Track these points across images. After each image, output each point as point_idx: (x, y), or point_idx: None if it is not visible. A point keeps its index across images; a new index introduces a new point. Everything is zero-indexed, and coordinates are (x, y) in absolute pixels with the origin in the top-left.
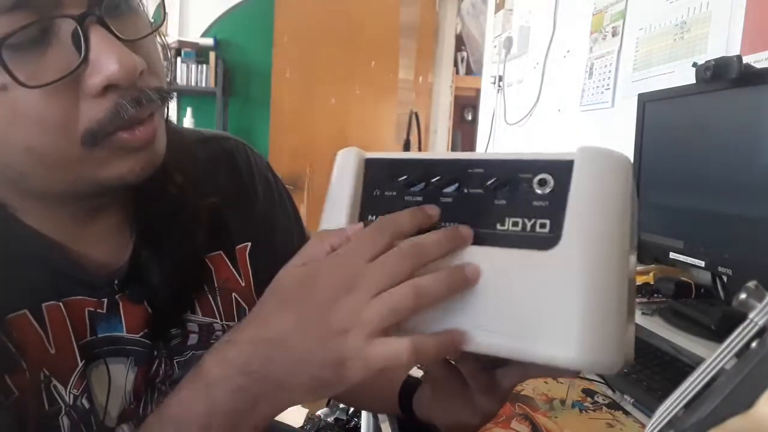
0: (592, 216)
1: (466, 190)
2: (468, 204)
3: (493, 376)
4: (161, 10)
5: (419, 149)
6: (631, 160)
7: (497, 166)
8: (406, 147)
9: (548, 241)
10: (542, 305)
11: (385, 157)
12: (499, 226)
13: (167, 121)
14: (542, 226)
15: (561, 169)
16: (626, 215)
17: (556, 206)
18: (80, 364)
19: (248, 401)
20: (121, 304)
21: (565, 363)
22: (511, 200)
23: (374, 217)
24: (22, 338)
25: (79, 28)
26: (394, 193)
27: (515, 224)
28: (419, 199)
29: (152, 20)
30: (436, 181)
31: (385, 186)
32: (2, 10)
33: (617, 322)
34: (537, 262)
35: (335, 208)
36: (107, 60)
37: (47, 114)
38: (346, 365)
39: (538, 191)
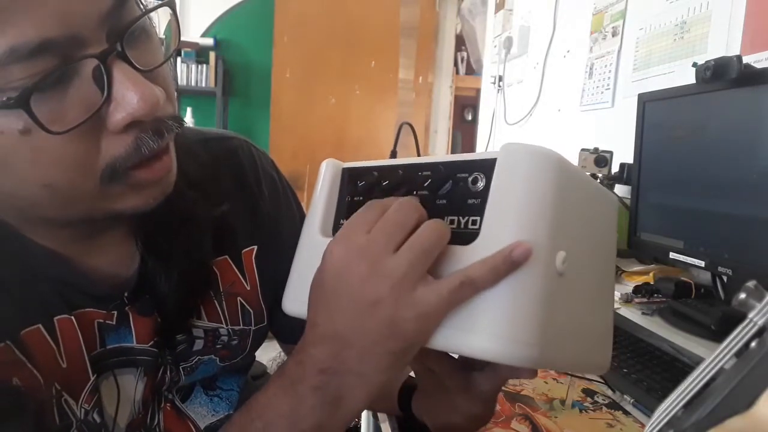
0: (507, 208)
1: (415, 192)
2: None
3: (469, 378)
4: (173, 28)
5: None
6: (631, 160)
7: (440, 167)
8: (393, 157)
9: (472, 236)
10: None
11: (356, 165)
12: None
13: None
14: (473, 222)
15: (488, 167)
16: (548, 207)
17: (483, 203)
18: (92, 379)
19: (332, 395)
20: (131, 315)
21: (483, 354)
22: (450, 200)
23: (345, 220)
24: (36, 352)
25: (102, 66)
26: (361, 198)
27: (452, 222)
28: None
29: (163, 36)
30: (392, 185)
31: (354, 192)
32: (23, 56)
33: (533, 313)
34: (460, 256)
35: (312, 214)
36: (131, 97)
37: (69, 154)
38: (401, 324)
39: (472, 189)
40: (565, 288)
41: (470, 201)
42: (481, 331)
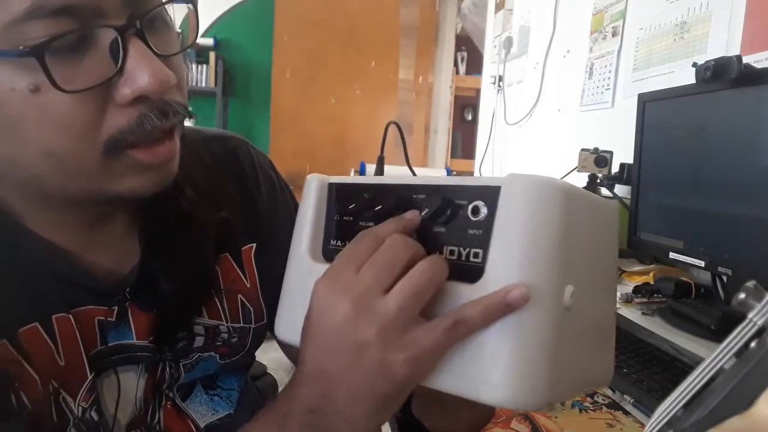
0: (514, 245)
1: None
2: (411, 231)
3: None
4: (191, 23)
5: (407, 160)
6: (631, 160)
7: (435, 192)
8: (380, 163)
9: (476, 273)
10: (473, 342)
11: (345, 182)
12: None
13: None
14: (475, 255)
15: (491, 196)
16: (557, 242)
17: (486, 235)
18: (89, 377)
19: None
20: (130, 311)
21: (488, 401)
22: (449, 228)
23: (336, 242)
24: (33, 351)
25: (119, 38)
26: (351, 218)
27: (452, 253)
28: (371, 225)
29: (179, 30)
30: (384, 208)
31: (343, 211)
32: (46, 14)
33: (542, 359)
34: (465, 297)
35: (299, 235)
36: (142, 72)
37: (75, 118)
38: (391, 367)
39: (473, 219)
40: (572, 321)
41: (471, 231)
42: (488, 381)
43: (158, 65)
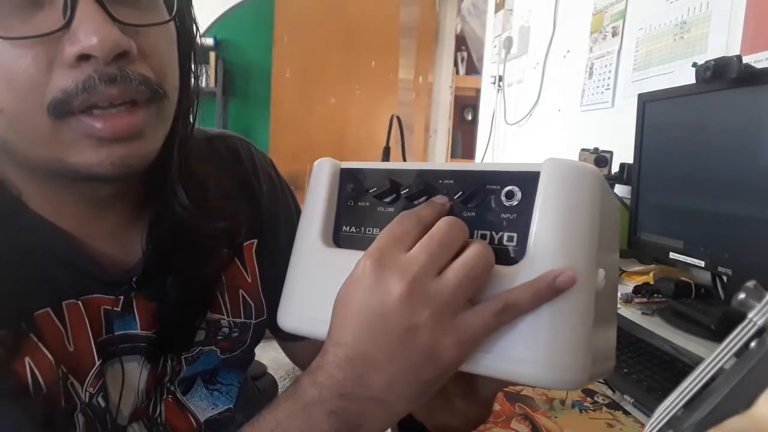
0: (557, 230)
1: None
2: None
3: (472, 383)
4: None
5: (402, 154)
6: (631, 160)
7: (465, 177)
8: (386, 154)
9: (514, 256)
10: (514, 323)
11: (360, 167)
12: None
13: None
14: (510, 239)
15: (527, 181)
16: (594, 227)
17: (522, 219)
18: (97, 363)
19: (349, 423)
20: (135, 301)
21: (532, 382)
22: (480, 212)
23: (348, 228)
24: (46, 334)
25: None
26: (368, 204)
27: (483, 237)
28: (391, 210)
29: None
30: (408, 192)
31: (359, 197)
32: None
33: (583, 339)
34: (503, 278)
35: (309, 220)
36: (87, 30)
37: (18, 72)
38: (437, 350)
39: (506, 203)
40: (598, 304)
41: (504, 215)
42: (531, 360)
43: (107, 27)
